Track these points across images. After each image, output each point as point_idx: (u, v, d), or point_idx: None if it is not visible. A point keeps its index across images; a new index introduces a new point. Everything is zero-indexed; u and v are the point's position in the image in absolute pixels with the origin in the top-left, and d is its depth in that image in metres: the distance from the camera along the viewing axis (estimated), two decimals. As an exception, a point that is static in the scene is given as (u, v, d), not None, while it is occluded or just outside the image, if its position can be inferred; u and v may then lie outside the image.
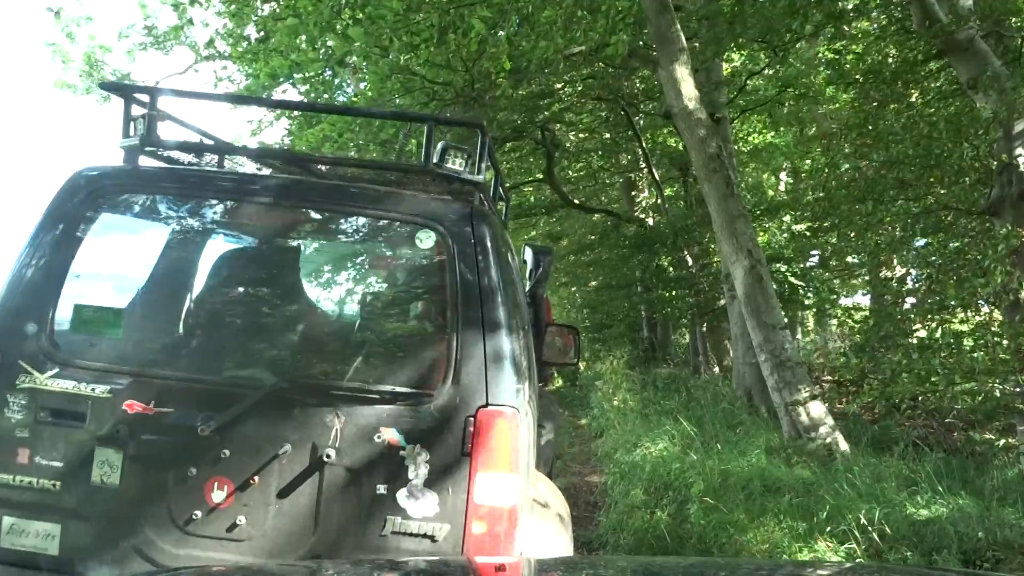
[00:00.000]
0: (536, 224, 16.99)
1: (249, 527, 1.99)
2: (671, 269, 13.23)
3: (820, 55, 12.06)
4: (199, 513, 1.98)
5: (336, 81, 7.37)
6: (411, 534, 1.95)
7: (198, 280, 2.64)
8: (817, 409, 6.84)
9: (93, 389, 2.04)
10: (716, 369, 12.01)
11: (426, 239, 2.17)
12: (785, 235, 13.34)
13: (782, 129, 15.41)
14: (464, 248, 2.09)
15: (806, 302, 11.12)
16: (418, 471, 1.96)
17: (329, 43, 5.95)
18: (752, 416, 8.21)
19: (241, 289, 2.52)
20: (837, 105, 12.90)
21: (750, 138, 16.16)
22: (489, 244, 2.12)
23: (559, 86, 10.59)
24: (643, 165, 16.01)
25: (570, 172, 16.01)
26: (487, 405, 1.98)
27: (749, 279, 7.11)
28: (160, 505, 2.00)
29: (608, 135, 15.07)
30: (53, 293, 2.12)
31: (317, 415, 2.00)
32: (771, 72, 10.07)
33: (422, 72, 6.78)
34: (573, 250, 16.46)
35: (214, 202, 2.32)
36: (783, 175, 18.49)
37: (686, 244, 12.05)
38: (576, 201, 15.08)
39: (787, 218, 13.02)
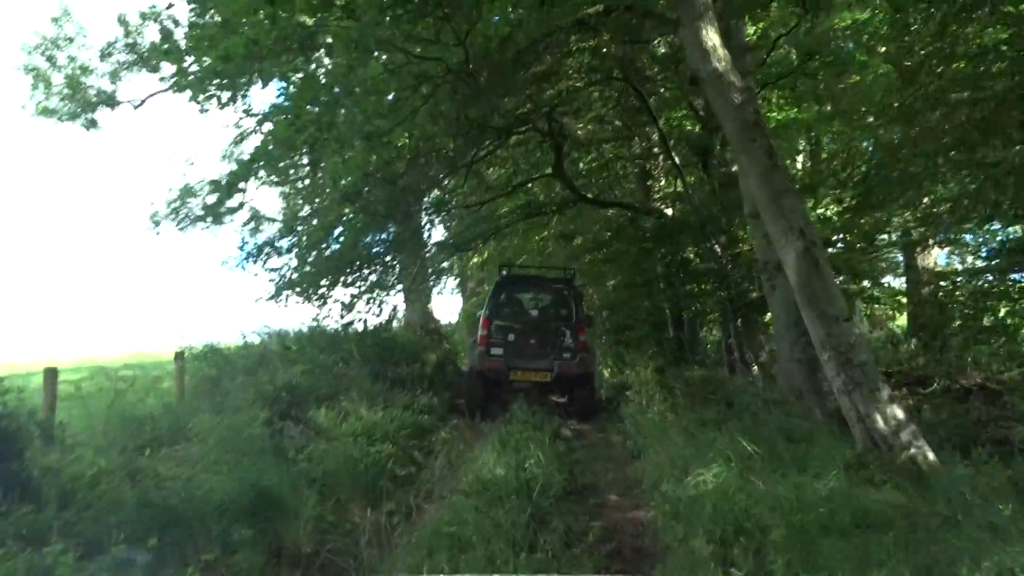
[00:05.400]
0: (548, 223, 15.96)
1: (536, 345, 10.33)
2: (698, 261, 12.17)
3: (851, 19, 11.04)
4: (526, 347, 10.33)
5: (311, 67, 6.37)
6: (567, 348, 10.28)
7: (516, 303, 11.15)
8: (896, 413, 5.78)
9: (506, 323, 10.51)
10: (755, 368, 10.91)
11: (565, 292, 10.96)
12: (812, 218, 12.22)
13: (804, 105, 14.33)
14: (573, 293, 10.93)
15: (861, 285, 10.02)
16: (568, 333, 10.41)
17: (284, 14, 5.02)
18: (808, 422, 7.11)
19: (525, 304, 11.33)
20: (872, 75, 11.78)
21: (770, 114, 15.05)
22: (577, 290, 11.19)
23: (564, 59, 9.57)
24: (658, 152, 14.97)
25: (581, 165, 14.97)
26: (580, 320, 10.59)
27: (803, 264, 6.06)
28: (522, 345, 10.34)
29: (619, 122, 14.05)
30: (497, 307, 10.73)
31: (548, 325, 10.68)
32: (801, 32, 8.97)
33: (407, 48, 5.80)
34: (588, 248, 15.40)
35: (520, 286, 11.63)
36: (799, 157, 17.32)
37: (714, 233, 10.98)
38: (588, 196, 14.05)
39: (810, 202, 11.93)
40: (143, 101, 18.01)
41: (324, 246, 10.52)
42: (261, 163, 6.46)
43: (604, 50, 9.93)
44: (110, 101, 18.49)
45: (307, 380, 7.88)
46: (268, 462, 5.23)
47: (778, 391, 9.06)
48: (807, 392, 8.64)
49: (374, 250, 11.76)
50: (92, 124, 19.29)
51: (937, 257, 15.85)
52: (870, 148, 12.52)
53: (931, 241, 14.49)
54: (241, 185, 7.01)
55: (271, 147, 6.47)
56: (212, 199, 9.77)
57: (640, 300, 14.86)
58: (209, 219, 8.81)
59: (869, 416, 5.73)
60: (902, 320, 16.72)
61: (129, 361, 10.34)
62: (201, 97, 6.96)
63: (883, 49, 10.72)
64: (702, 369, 12.13)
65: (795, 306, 9.10)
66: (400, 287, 14.48)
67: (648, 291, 14.40)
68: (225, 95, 7.20)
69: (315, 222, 10.65)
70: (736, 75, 6.61)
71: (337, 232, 10.34)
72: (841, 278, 10.37)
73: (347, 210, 9.33)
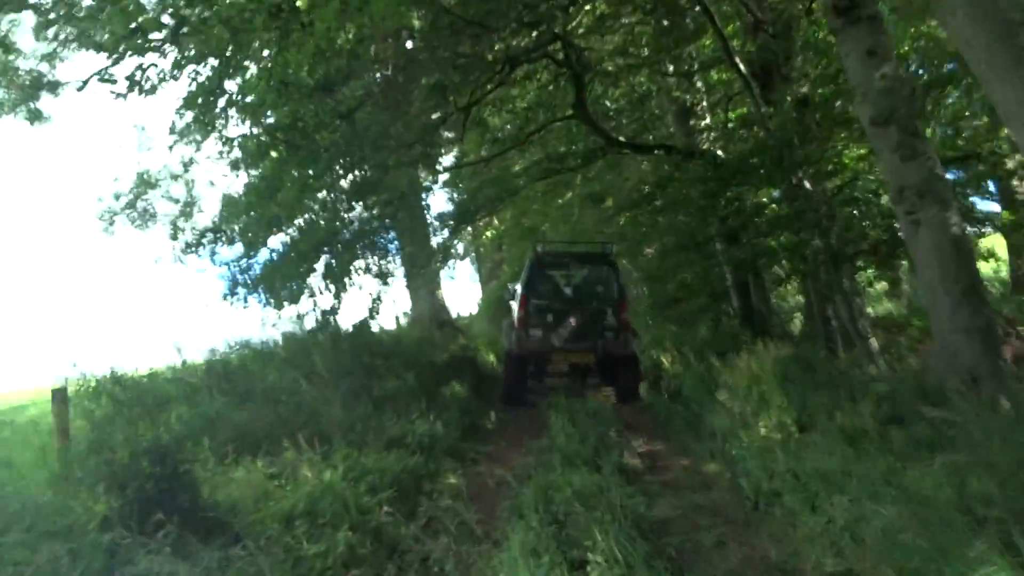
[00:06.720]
0: (571, 183, 13.14)
1: (577, 325, 9.66)
2: (773, 206, 9.32)
3: None
4: (567, 327, 9.70)
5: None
6: (608, 327, 9.75)
7: (553, 281, 10.32)
8: None
9: (544, 303, 9.88)
10: (873, 343, 8.06)
11: (605, 269, 10.43)
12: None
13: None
14: (612, 269, 10.41)
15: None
16: (609, 312, 9.85)
17: None
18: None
19: (563, 282, 10.36)
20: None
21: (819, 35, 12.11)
22: (616, 269, 10.54)
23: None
24: (700, 83, 12.10)
25: (607, 103, 12.13)
26: (621, 299, 10.10)
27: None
28: (562, 325, 9.66)
29: (647, 49, 11.20)
30: (534, 286, 10.03)
31: (591, 306, 9.95)
32: None
33: None
34: (623, 207, 12.59)
35: (555, 263, 10.47)
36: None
37: (799, 164, 8.11)
38: (621, 139, 11.23)
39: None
40: (85, 82, 15.33)
41: (277, 220, 7.79)
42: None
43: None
44: (50, 86, 15.94)
45: (241, 418, 5.21)
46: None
47: (934, 377, 6.25)
48: (985, 376, 5.81)
49: (351, 226, 9.07)
50: (36, 116, 16.78)
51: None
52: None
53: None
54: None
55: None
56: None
57: (692, 266, 12.08)
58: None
59: None
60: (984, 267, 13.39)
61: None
62: None
63: None
64: (786, 346, 9.30)
65: (957, 251, 6.32)
66: (397, 271, 11.82)
67: (702, 254, 11.61)
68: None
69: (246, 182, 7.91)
70: None
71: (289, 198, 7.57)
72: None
73: (275, 155, 6.57)
